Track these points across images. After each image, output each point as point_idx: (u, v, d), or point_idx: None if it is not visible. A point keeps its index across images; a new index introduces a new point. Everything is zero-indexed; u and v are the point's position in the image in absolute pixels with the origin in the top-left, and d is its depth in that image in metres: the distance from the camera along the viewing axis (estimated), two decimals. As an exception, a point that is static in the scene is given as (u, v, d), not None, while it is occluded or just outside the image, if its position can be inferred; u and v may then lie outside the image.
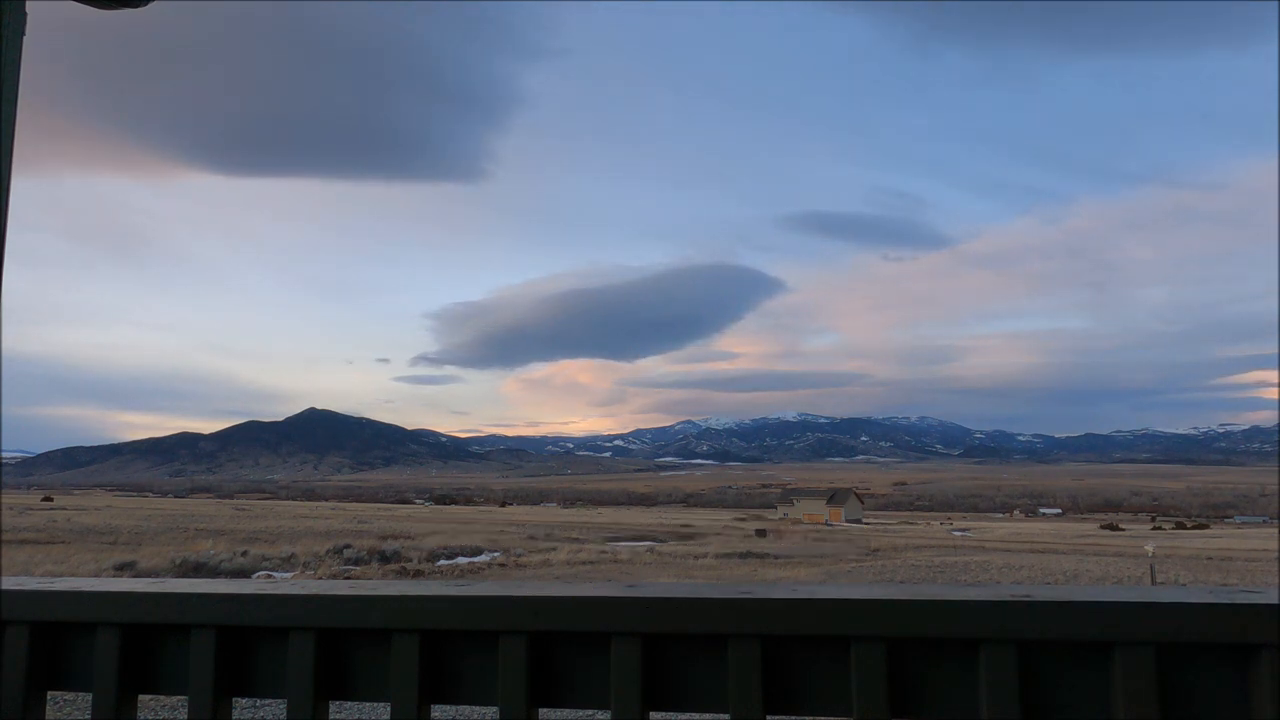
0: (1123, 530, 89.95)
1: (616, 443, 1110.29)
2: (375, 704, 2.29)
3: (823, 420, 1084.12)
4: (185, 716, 1.63)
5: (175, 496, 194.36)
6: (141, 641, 1.65)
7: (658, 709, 1.48)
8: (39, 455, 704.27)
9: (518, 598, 1.51)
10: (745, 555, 37.00)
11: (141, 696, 1.67)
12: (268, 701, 6.37)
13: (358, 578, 24.93)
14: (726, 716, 1.43)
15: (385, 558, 31.98)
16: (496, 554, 35.73)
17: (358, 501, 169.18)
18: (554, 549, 37.43)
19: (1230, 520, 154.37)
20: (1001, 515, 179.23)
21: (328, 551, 33.06)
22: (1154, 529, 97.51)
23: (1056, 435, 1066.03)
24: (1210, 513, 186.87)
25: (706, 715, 1.44)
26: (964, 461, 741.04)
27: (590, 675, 1.49)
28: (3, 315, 1.79)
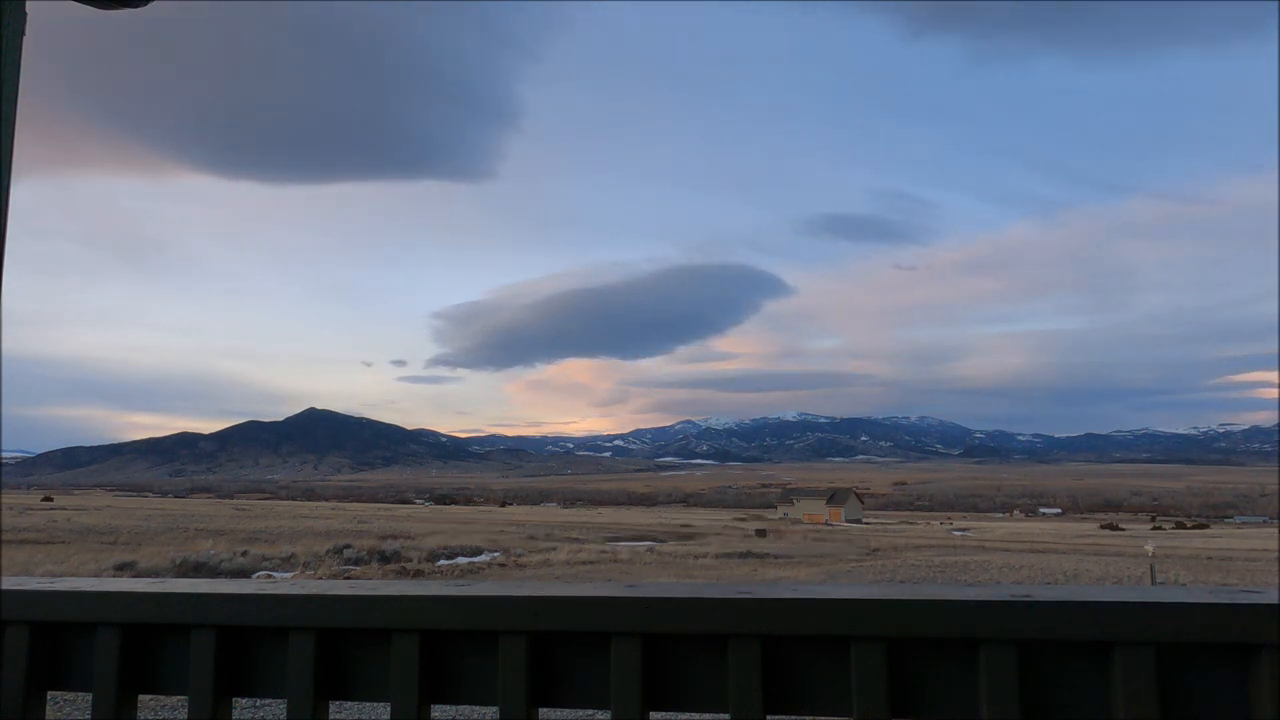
0: (1123, 530, 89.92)
1: (616, 443, 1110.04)
2: (375, 704, 2.29)
3: (823, 420, 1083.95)
4: (185, 716, 1.63)
5: (175, 496, 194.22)
6: (141, 641, 1.65)
7: (658, 709, 1.48)
8: (39, 455, 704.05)
9: (518, 598, 1.51)
10: (745, 555, 37.00)
11: (141, 696, 1.67)
12: (268, 701, 6.37)
13: (358, 578, 24.93)
14: (726, 716, 1.42)
15: (385, 558, 31.97)
16: (496, 554, 35.72)
17: (358, 501, 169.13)
18: (554, 549, 37.42)
19: (1230, 520, 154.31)
20: (1001, 515, 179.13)
21: (328, 551, 33.05)
22: (1154, 529, 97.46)
23: (1056, 435, 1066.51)
24: (1210, 513, 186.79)
25: (706, 715, 1.44)
26: (964, 461, 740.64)
27: (590, 675, 1.49)
28: (3, 315, 1.79)
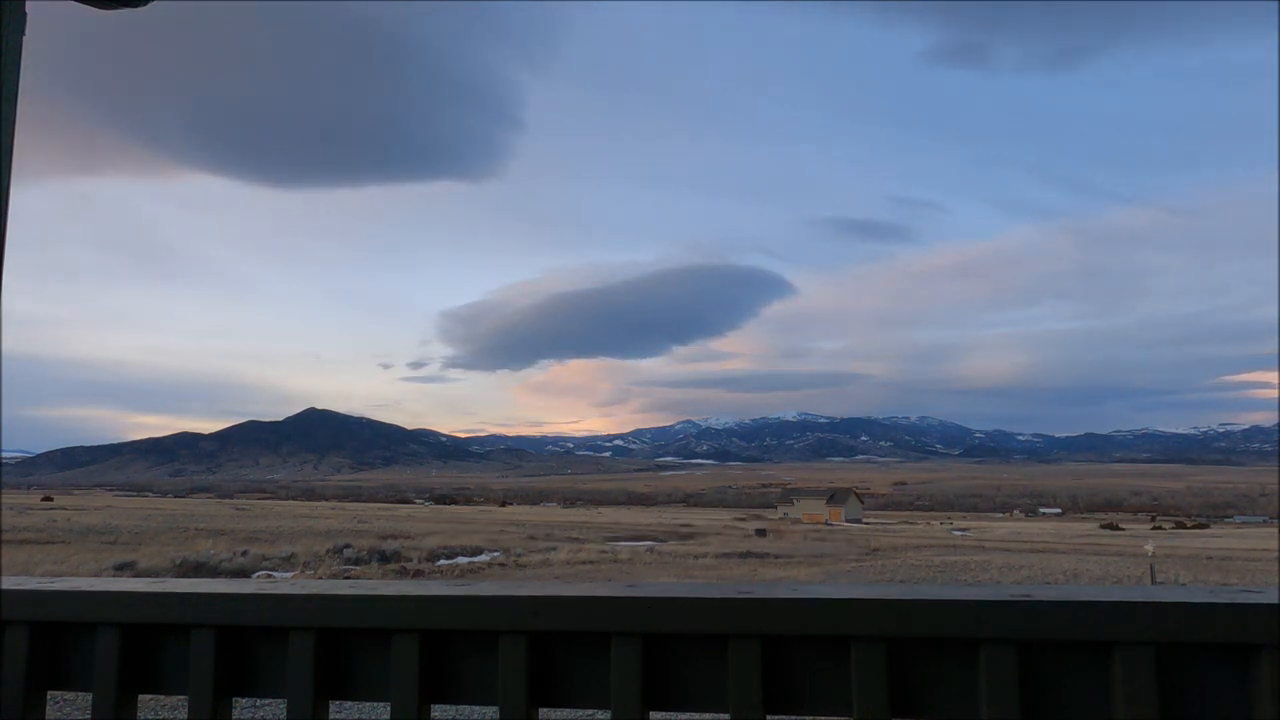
0: (1123, 530, 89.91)
1: (616, 443, 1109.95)
2: (375, 704, 2.29)
3: (823, 420, 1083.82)
4: (185, 716, 1.63)
5: (175, 496, 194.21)
6: (141, 641, 1.65)
7: (658, 709, 1.48)
8: (39, 455, 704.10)
9: (518, 598, 1.51)
10: (745, 555, 36.99)
11: (141, 696, 1.67)
12: (268, 701, 6.37)
13: (358, 578, 24.93)
14: (726, 716, 1.42)
15: (385, 557, 31.95)
16: (496, 554, 35.70)
17: (358, 501, 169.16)
18: (554, 549, 37.39)
19: (1230, 520, 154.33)
20: (1001, 515, 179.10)
21: (328, 551, 33.03)
22: (1154, 529, 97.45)
23: (1056, 435, 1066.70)
24: (1210, 512, 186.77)
25: (706, 715, 1.44)
26: (964, 461, 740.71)
27: (590, 675, 1.49)
28: (2, 315, 1.79)
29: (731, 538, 51.20)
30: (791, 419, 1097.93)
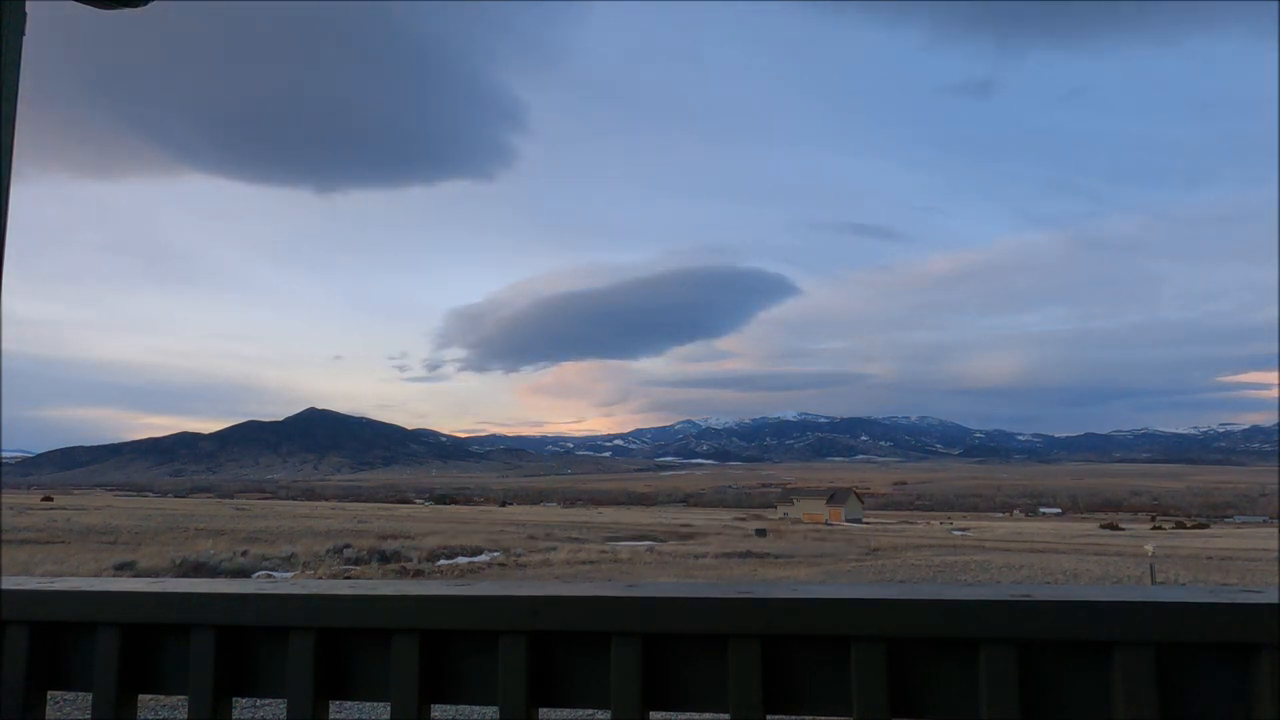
0: (1123, 530, 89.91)
1: (616, 442, 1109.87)
2: (375, 704, 2.29)
3: (823, 420, 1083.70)
4: (185, 716, 1.63)
5: (175, 496, 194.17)
6: (141, 641, 1.65)
7: (658, 709, 1.48)
8: (39, 455, 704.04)
9: (518, 598, 1.51)
10: (745, 555, 36.97)
11: (141, 696, 1.67)
12: (268, 701, 6.37)
13: (358, 577, 24.92)
14: (726, 716, 1.42)
15: (385, 557, 31.94)
16: (496, 554, 35.68)
17: (358, 501, 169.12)
18: (554, 549, 37.38)
19: (1230, 520, 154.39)
20: (1001, 515, 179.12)
21: (328, 551, 33.02)
22: (1154, 529, 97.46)
23: (1056, 435, 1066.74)
24: (1210, 513, 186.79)
25: (706, 715, 1.44)
26: (964, 461, 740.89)
27: (590, 675, 1.49)
28: (2, 315, 1.79)
29: (731, 538, 51.18)
30: (791, 419, 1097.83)
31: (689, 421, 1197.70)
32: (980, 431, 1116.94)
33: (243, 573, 26.29)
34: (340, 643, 1.59)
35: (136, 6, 1.86)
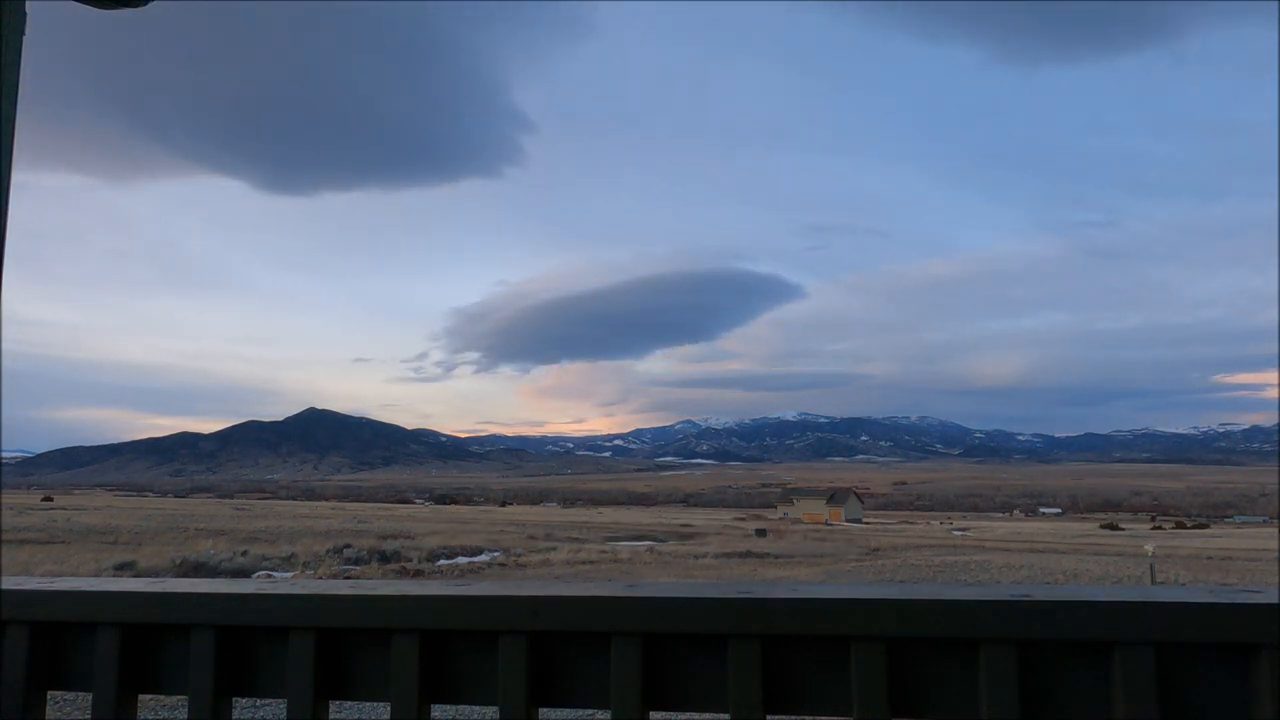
0: (1123, 530, 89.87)
1: (616, 442, 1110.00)
2: (375, 704, 2.29)
3: (823, 420, 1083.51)
4: (185, 716, 1.63)
5: (175, 496, 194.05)
6: (141, 641, 1.65)
7: (658, 709, 1.47)
8: (39, 455, 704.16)
9: (518, 598, 1.51)
10: (745, 555, 36.97)
11: (141, 696, 1.67)
12: (268, 701, 6.36)
13: (358, 578, 24.92)
14: (726, 716, 1.42)
15: (385, 557, 31.94)
16: (496, 554, 35.68)
17: (358, 501, 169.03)
18: (554, 549, 37.37)
19: (1230, 520, 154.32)
20: (1001, 515, 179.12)
21: (328, 551, 33.01)
22: (1154, 529, 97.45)
23: (1056, 435, 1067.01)
24: (1210, 513, 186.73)
25: (706, 715, 1.43)
26: (964, 461, 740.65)
27: (590, 675, 1.49)
28: (2, 315, 1.79)
29: (731, 538, 51.17)
30: (791, 419, 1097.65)
31: (689, 421, 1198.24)
32: (980, 431, 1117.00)
33: (243, 573, 26.29)
34: (340, 643, 1.58)
35: (137, 6, 1.86)
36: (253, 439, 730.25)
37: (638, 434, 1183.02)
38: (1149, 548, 35.79)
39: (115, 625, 1.63)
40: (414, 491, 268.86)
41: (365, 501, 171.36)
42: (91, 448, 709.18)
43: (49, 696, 1.72)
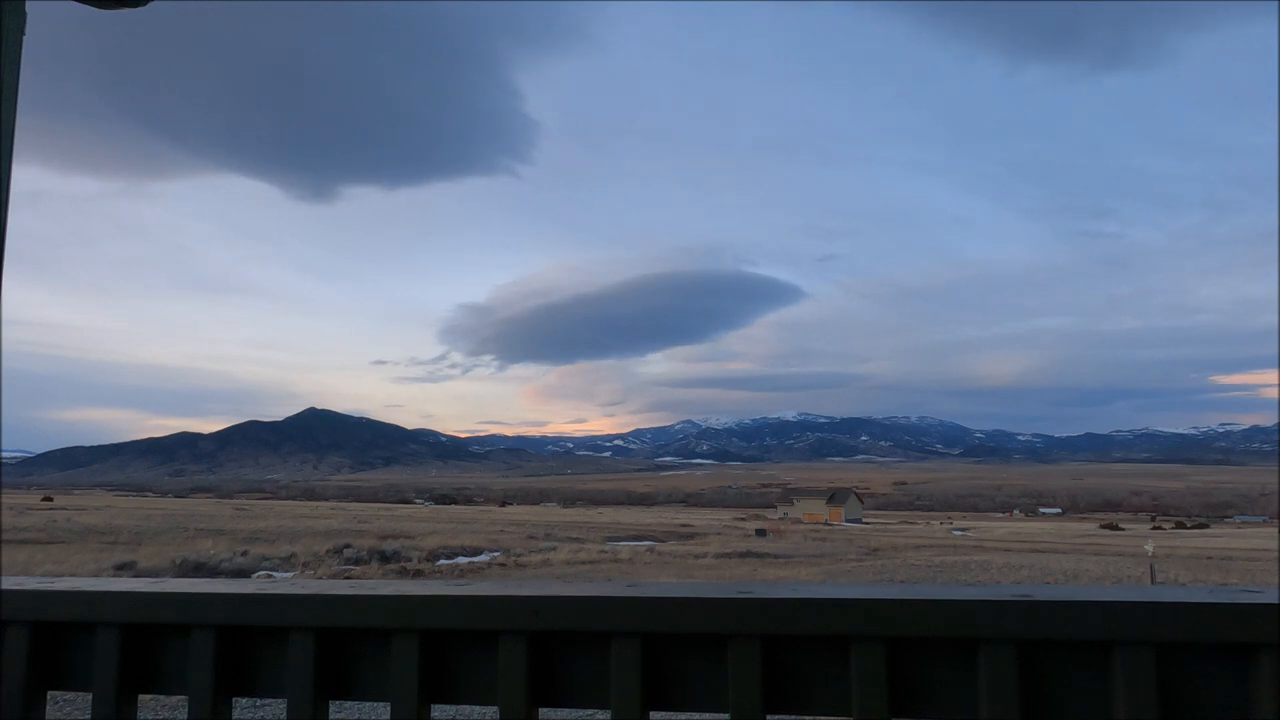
0: (1123, 530, 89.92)
1: (616, 443, 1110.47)
2: (375, 704, 2.30)
3: (823, 420, 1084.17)
4: (185, 716, 1.62)
5: (175, 496, 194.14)
6: (141, 641, 1.65)
7: (658, 709, 1.47)
8: (39, 455, 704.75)
9: (518, 597, 1.50)
10: (745, 555, 36.98)
11: (141, 696, 1.67)
12: (268, 701, 6.36)
13: (358, 577, 24.92)
14: (726, 716, 1.42)
15: (385, 557, 31.95)
16: (496, 554, 35.68)
17: (358, 501, 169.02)
18: (554, 549, 37.38)
19: (1230, 520, 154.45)
20: (1001, 515, 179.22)
21: (328, 551, 33.02)
22: (1154, 529, 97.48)
23: (1056, 435, 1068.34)
24: (1210, 512, 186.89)
25: (706, 715, 1.43)
26: (964, 461, 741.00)
27: (590, 675, 1.49)
28: (2, 315, 1.79)
29: (731, 538, 51.18)
30: (791, 419, 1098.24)
31: (689, 422, 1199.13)
32: (980, 431, 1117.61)
33: (243, 573, 26.29)
34: (340, 643, 1.58)
35: (137, 6, 1.86)
36: (253, 439, 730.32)
37: (638, 434, 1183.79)
38: (1149, 547, 35.78)
39: (115, 625, 1.63)
40: (414, 491, 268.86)
41: (365, 501, 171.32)
42: (91, 448, 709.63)
43: (49, 696, 1.71)
